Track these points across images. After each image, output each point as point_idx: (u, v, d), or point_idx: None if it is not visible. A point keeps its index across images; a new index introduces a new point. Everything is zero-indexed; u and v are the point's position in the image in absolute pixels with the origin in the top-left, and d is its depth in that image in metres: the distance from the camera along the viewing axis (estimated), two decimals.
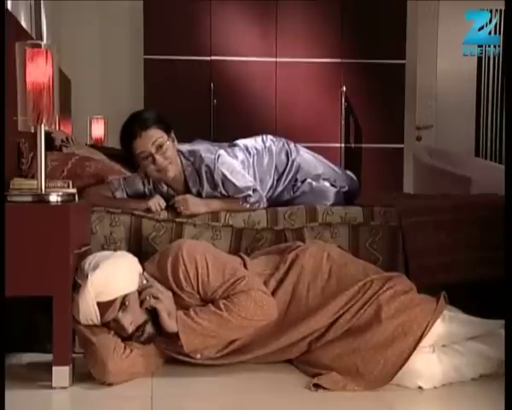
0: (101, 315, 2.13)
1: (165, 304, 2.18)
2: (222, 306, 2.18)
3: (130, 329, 2.16)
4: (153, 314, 2.19)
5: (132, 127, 2.62)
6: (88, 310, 2.12)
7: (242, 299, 2.19)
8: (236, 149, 2.87)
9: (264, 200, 2.80)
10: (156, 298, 2.18)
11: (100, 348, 2.11)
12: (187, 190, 2.75)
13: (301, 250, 2.42)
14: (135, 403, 2.04)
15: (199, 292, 2.24)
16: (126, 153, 2.68)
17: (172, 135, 2.70)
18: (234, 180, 2.69)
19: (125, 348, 2.15)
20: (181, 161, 2.72)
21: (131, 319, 2.16)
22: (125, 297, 2.15)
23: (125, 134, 2.65)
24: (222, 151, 2.77)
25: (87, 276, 2.12)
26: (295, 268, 2.35)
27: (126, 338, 2.18)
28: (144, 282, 2.23)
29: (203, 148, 2.77)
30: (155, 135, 2.62)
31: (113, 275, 2.15)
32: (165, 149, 2.63)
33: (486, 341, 2.23)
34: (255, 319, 2.21)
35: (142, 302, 2.18)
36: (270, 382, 2.20)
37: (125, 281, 2.18)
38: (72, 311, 2.13)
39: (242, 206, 2.72)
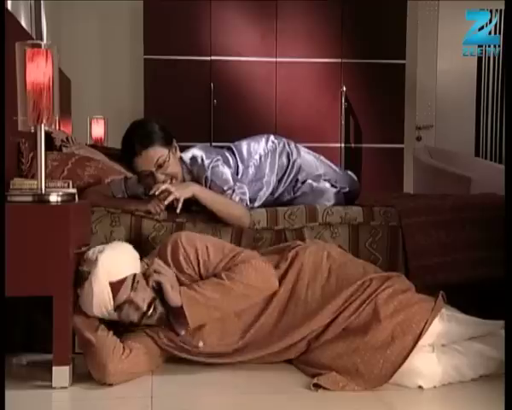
0: (114, 297, 2.14)
1: (168, 277, 2.21)
2: (224, 276, 2.23)
3: (145, 306, 2.18)
4: (159, 295, 2.21)
5: (133, 144, 2.57)
6: (101, 293, 2.12)
7: (243, 268, 2.25)
8: (240, 164, 2.85)
9: (248, 199, 2.74)
10: (159, 273, 2.21)
11: (99, 350, 2.11)
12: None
13: (301, 249, 2.43)
14: (135, 403, 2.04)
15: (200, 274, 2.27)
16: (128, 166, 2.67)
17: (174, 144, 2.66)
18: (219, 183, 2.68)
19: (124, 348, 2.15)
20: (181, 169, 2.71)
21: (143, 296, 2.18)
22: (135, 276, 2.18)
23: (125, 149, 2.61)
24: (220, 161, 2.75)
25: (96, 259, 2.14)
26: (295, 266, 2.36)
27: (137, 323, 2.20)
28: (145, 267, 2.27)
29: (204, 154, 2.76)
30: (156, 154, 2.57)
31: (121, 255, 2.21)
32: (165, 167, 2.59)
33: (487, 341, 2.23)
34: (257, 286, 2.25)
35: (147, 281, 2.21)
36: (270, 382, 2.20)
37: (132, 260, 2.23)
38: (81, 304, 2.14)
39: (230, 197, 2.65)
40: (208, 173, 2.69)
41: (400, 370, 2.09)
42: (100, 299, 2.13)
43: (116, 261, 2.17)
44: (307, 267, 2.35)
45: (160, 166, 2.58)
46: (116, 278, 2.15)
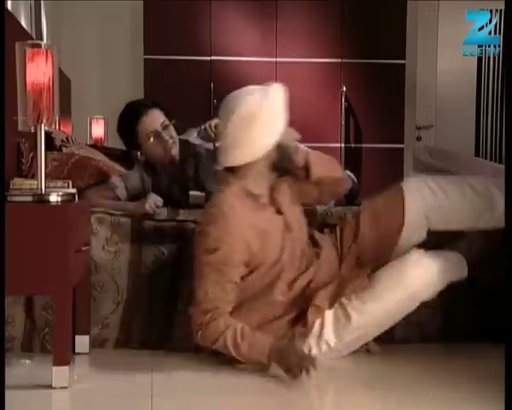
0: None
1: None
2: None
3: None
4: None
5: (136, 108, 2.69)
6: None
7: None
8: None
9: None
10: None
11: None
12: (184, 175, 2.79)
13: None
14: (135, 403, 2.04)
15: None
16: (128, 135, 2.72)
17: (173, 121, 2.79)
18: None
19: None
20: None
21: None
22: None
23: (127, 116, 2.70)
24: None
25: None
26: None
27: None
28: None
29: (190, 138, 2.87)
30: (161, 116, 2.72)
31: None
32: (170, 130, 2.73)
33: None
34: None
35: None
36: (270, 381, 2.20)
37: None
38: None
39: None
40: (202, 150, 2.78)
41: (397, 278, 2.27)
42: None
43: None
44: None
45: (165, 127, 2.68)
46: None
